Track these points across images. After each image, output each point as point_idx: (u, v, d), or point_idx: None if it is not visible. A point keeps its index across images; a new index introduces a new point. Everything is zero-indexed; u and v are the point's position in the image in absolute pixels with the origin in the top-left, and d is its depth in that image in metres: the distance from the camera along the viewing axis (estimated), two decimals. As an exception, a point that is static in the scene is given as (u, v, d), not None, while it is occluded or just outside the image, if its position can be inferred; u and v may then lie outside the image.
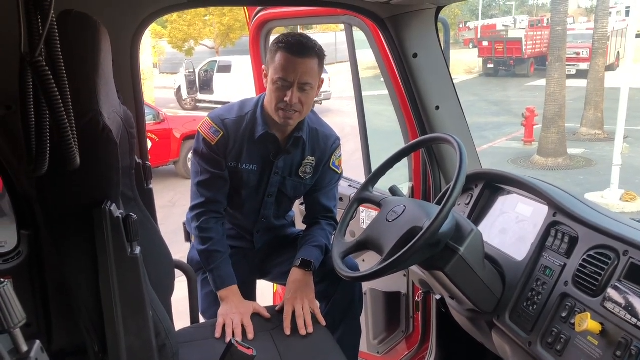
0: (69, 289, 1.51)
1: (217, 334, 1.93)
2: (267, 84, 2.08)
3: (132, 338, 1.37)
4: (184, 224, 2.48)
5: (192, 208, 2.21)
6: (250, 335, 1.92)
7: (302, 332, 1.97)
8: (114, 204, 1.35)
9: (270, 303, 2.72)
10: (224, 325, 1.97)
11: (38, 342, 0.78)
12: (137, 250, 1.37)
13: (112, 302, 1.35)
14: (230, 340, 1.48)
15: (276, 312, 2.10)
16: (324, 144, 2.24)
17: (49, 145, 0.97)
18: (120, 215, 1.33)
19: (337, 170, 2.30)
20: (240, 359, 1.45)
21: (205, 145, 2.12)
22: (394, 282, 2.80)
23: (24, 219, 1.72)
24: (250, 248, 2.33)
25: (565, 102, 12.49)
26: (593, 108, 13.69)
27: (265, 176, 2.21)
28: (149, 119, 9.69)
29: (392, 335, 2.92)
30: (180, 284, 2.17)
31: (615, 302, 1.46)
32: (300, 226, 2.46)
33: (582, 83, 14.56)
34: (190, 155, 10.42)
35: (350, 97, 2.81)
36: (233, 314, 1.99)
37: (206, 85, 18.94)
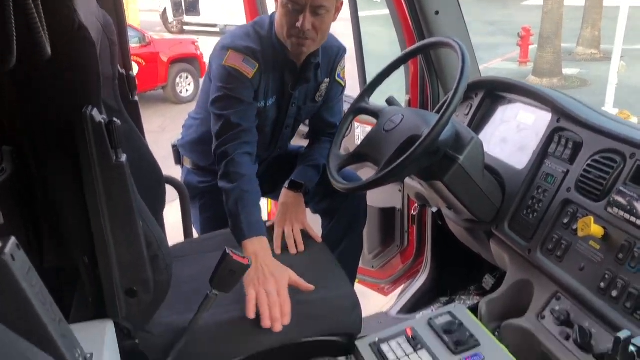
0: (56, 205, 1.45)
1: (250, 314, 1.55)
2: (276, 6, 1.87)
3: (122, 249, 1.32)
4: (173, 146, 2.39)
5: (220, 138, 1.87)
6: (287, 319, 1.57)
7: (292, 251, 1.93)
8: (96, 109, 1.27)
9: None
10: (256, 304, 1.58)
11: (13, 238, 0.73)
12: (123, 158, 1.30)
13: (99, 213, 1.29)
14: (225, 249, 1.44)
15: (269, 228, 2.06)
16: (330, 56, 2.09)
17: (14, 31, 0.88)
18: (102, 121, 1.25)
19: (342, 82, 2.17)
20: (235, 269, 1.41)
21: (239, 79, 1.85)
22: (389, 198, 2.77)
23: (3, 134, 1.64)
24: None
25: (562, 20, 12.17)
26: (590, 26, 13.36)
27: (283, 109, 2.07)
28: (134, 42, 9.37)
29: (386, 250, 2.93)
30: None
31: (620, 206, 1.42)
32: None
33: (580, 2, 14.15)
34: (178, 80, 10.21)
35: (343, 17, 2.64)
36: (267, 284, 1.60)
37: (192, 7, 18.28)
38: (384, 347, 1.54)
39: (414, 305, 2.64)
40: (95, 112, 1.25)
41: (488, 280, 2.26)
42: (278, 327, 1.55)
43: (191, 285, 1.75)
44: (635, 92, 10.37)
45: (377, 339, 1.59)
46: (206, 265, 1.66)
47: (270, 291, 1.58)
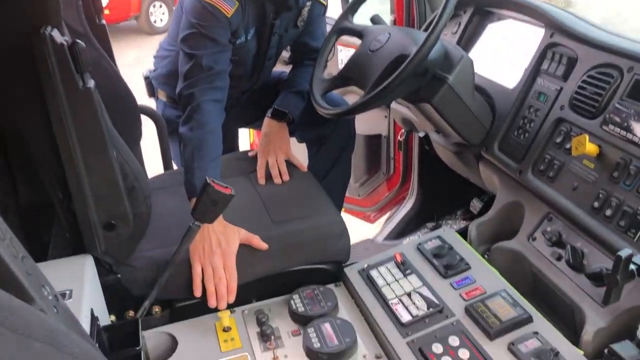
0: (24, 136, 1.36)
1: (196, 292, 1.47)
2: None
3: (96, 179, 1.25)
4: (146, 77, 2.24)
5: (187, 79, 1.69)
6: (232, 297, 1.48)
7: (277, 181, 1.86)
8: (56, 30, 1.16)
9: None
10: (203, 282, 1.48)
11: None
12: (91, 83, 1.20)
13: (68, 143, 1.21)
14: (206, 179, 1.37)
15: (251, 157, 1.99)
16: None
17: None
18: (64, 42, 1.14)
19: (323, 2, 2.02)
20: (217, 199, 1.35)
21: (216, 17, 1.67)
22: (375, 125, 2.70)
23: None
24: (237, 99, 2.13)
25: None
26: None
27: (264, 40, 1.91)
28: (102, -31, 8.87)
29: (372, 178, 2.88)
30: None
31: (615, 123, 1.37)
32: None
33: None
34: (152, 9, 9.78)
35: None
36: (214, 257, 1.47)
37: None
38: (373, 273, 1.52)
39: (400, 232, 2.62)
40: (55, 33, 1.14)
41: (476, 204, 2.24)
42: (223, 305, 1.47)
43: (172, 217, 1.69)
44: (619, 14, 10.20)
45: (365, 265, 1.56)
46: (187, 197, 1.60)
47: (217, 265, 1.47)
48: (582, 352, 1.18)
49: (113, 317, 1.50)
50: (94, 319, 1.17)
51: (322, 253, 1.61)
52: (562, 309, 1.39)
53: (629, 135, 1.33)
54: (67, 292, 1.20)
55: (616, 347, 0.97)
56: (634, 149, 1.32)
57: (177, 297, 1.55)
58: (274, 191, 1.84)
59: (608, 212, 1.33)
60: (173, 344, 1.45)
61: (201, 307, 1.50)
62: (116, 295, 1.48)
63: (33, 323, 0.55)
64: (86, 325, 1.11)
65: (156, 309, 1.54)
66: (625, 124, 1.35)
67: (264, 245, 1.53)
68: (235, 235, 1.51)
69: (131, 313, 1.52)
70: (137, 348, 1.16)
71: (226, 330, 1.43)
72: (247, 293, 1.54)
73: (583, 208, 1.40)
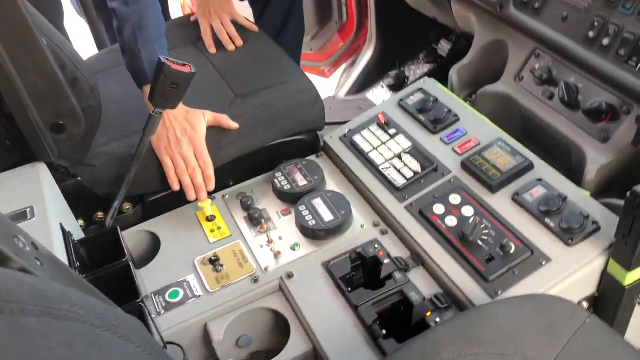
0: None
1: (174, 186, 1.34)
2: None
3: (31, 77, 1.04)
4: None
5: None
6: (211, 184, 1.35)
7: (230, 47, 1.66)
8: None
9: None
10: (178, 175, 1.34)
11: None
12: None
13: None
14: (159, 58, 1.18)
15: (194, 23, 1.75)
16: None
17: None
18: None
19: None
20: (178, 80, 1.17)
21: None
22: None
23: None
24: None
25: None
26: None
27: None
28: None
29: (324, 29, 2.67)
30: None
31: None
32: None
33: None
34: None
35: None
36: (181, 146, 1.32)
37: None
38: (357, 139, 1.41)
39: (362, 84, 2.49)
40: None
41: (444, 46, 2.11)
42: (203, 196, 1.34)
43: (122, 103, 1.50)
44: None
45: (347, 131, 1.45)
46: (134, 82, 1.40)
47: (187, 155, 1.32)
48: (588, 193, 1.15)
49: (82, 222, 1.37)
50: (66, 235, 1.04)
51: (297, 124, 1.48)
52: (558, 150, 1.34)
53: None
54: (28, 209, 1.05)
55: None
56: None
57: (148, 191, 1.42)
58: (229, 60, 1.65)
59: (605, 42, 1.23)
60: (154, 241, 1.35)
61: (176, 198, 1.38)
62: (79, 199, 1.33)
63: (20, 293, 0.42)
64: (59, 244, 0.98)
65: (126, 206, 1.42)
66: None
67: (233, 125, 1.38)
68: (200, 119, 1.35)
69: (100, 214, 1.40)
70: (124, 260, 1.04)
71: (210, 219, 1.33)
72: (224, 177, 1.42)
73: (575, 39, 1.30)
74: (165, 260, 1.26)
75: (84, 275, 0.98)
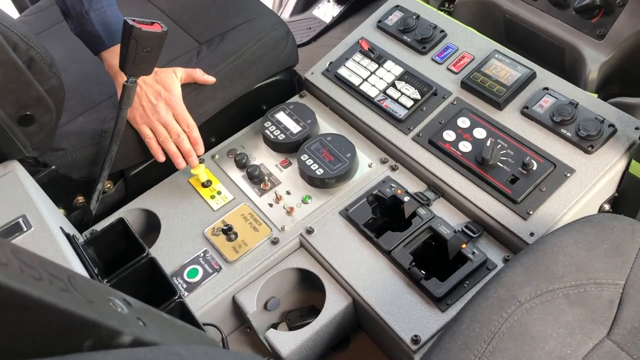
0: None
1: (160, 157, 1.22)
2: None
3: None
4: None
5: None
6: (200, 147, 1.24)
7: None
8: None
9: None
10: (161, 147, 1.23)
11: None
12: None
13: None
14: (125, 21, 1.02)
15: None
16: None
17: None
18: None
19: None
20: (150, 44, 1.03)
21: None
22: None
23: None
24: None
25: None
26: None
27: None
28: None
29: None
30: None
31: None
32: None
33: None
34: None
35: None
36: (159, 112, 1.19)
37: None
38: (342, 72, 1.32)
39: (305, 1, 2.34)
40: None
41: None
42: (194, 162, 1.23)
43: (74, 72, 1.34)
44: None
45: (328, 64, 1.35)
46: (84, 45, 1.23)
47: (167, 120, 1.20)
48: (596, 95, 1.13)
49: (62, 210, 1.25)
50: (72, 241, 0.93)
51: (273, 64, 1.37)
52: (549, 53, 1.30)
53: None
54: (20, 219, 0.92)
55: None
56: None
57: (127, 164, 1.30)
58: (180, 3, 1.48)
59: None
60: (150, 219, 1.25)
61: (159, 166, 1.28)
62: (55, 187, 1.20)
63: None
64: (70, 255, 0.88)
65: (107, 184, 1.30)
66: None
67: (209, 79, 1.26)
68: (173, 77, 1.22)
69: (80, 198, 1.28)
70: (145, 254, 0.95)
71: (206, 185, 1.24)
72: (203, 135, 1.31)
73: None
74: (170, 238, 1.18)
75: (105, 281, 0.89)
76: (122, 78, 1.14)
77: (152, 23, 1.05)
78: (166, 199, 1.24)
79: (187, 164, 1.24)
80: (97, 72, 1.30)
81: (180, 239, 1.17)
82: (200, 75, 1.25)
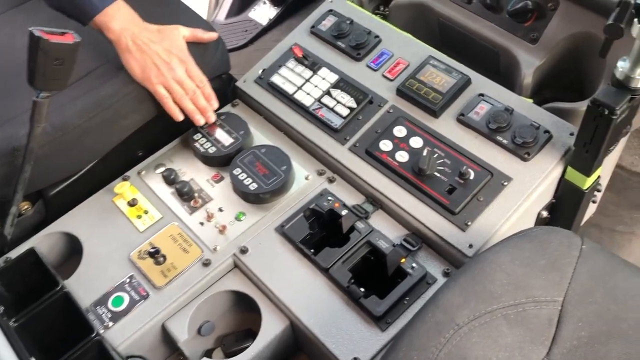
0: None
1: (178, 116, 1.19)
2: None
3: None
4: None
5: None
6: (214, 101, 1.23)
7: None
8: None
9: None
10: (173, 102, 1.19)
11: None
12: None
13: None
14: (31, 32, 0.93)
15: None
16: None
17: None
18: None
19: None
20: (61, 55, 0.94)
21: None
22: None
23: None
24: None
25: None
26: None
27: None
28: None
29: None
30: None
31: None
32: None
33: None
34: None
35: None
36: (170, 68, 1.16)
37: None
38: (276, 80, 1.26)
39: (241, 3, 2.27)
40: None
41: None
42: (212, 117, 1.22)
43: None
44: None
45: (261, 72, 1.29)
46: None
47: (182, 78, 1.17)
48: (531, 101, 1.12)
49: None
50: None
51: (203, 71, 1.29)
52: (484, 58, 1.29)
53: None
54: None
55: (599, 95, 0.89)
56: None
57: (47, 183, 1.20)
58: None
59: None
60: (71, 243, 1.16)
61: (81, 185, 1.19)
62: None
63: None
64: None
65: (24, 206, 1.20)
66: None
67: (213, 35, 1.26)
68: (178, 34, 1.20)
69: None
70: (59, 288, 0.86)
71: (132, 204, 1.16)
72: (130, 148, 1.24)
73: None
74: (93, 263, 1.09)
75: (14, 320, 0.80)
76: (126, 41, 1.13)
77: (63, 33, 0.96)
78: (88, 221, 1.16)
79: (205, 120, 1.21)
80: (8, 84, 1.20)
81: (104, 264, 1.08)
82: (203, 34, 1.24)
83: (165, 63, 1.16)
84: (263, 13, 2.24)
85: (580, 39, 1.16)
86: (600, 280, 0.76)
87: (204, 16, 2.31)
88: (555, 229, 0.82)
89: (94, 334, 0.81)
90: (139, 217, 1.14)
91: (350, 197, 1.12)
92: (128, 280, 1.05)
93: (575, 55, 1.18)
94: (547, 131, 1.04)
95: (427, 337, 0.72)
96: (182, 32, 1.21)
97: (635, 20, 0.78)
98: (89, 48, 1.25)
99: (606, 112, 0.87)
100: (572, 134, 1.03)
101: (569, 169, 1.01)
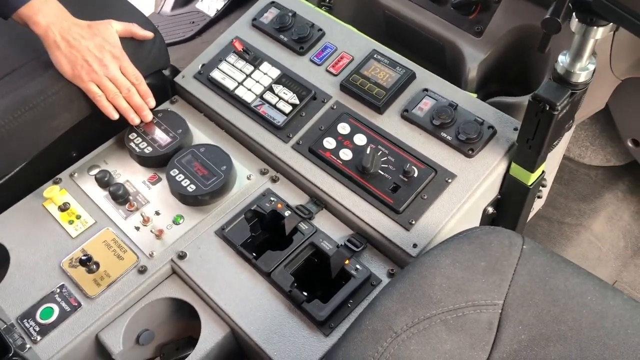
0: None
1: (113, 115, 1.12)
2: None
3: None
4: None
5: None
6: (151, 99, 1.16)
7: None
8: None
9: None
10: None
11: None
12: None
13: None
14: None
15: None
16: None
17: None
18: None
19: None
20: None
21: None
22: None
23: None
24: None
25: None
26: None
27: None
28: None
29: None
30: None
31: None
32: None
33: None
34: None
35: None
36: (103, 64, 1.09)
37: None
38: (216, 75, 1.21)
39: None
40: None
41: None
42: (148, 116, 1.16)
43: None
44: None
45: (200, 67, 1.24)
46: None
47: (115, 75, 1.12)
48: (475, 95, 1.10)
49: None
50: None
51: (138, 67, 1.23)
52: (429, 51, 1.26)
53: None
54: None
55: (540, 90, 0.87)
56: None
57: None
58: None
59: None
60: (-2, 251, 1.10)
61: (9, 189, 1.12)
62: None
63: None
64: None
65: (-52, 214, 1.12)
66: None
67: (148, 34, 1.20)
68: (111, 30, 1.14)
69: None
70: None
71: (63, 208, 1.10)
72: (63, 149, 1.17)
73: None
74: (21, 273, 1.03)
75: None
76: (54, 36, 1.06)
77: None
78: (16, 227, 1.09)
79: (140, 119, 1.15)
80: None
81: (33, 274, 1.02)
82: (139, 30, 1.17)
83: (97, 59, 1.10)
84: (210, 4, 2.17)
85: (524, 32, 1.14)
86: (540, 281, 0.74)
87: (151, 7, 2.24)
88: (497, 229, 0.80)
89: (11, 353, 0.75)
90: (71, 222, 1.08)
91: (294, 197, 1.08)
92: (58, 290, 0.99)
93: (520, 49, 1.17)
94: (491, 126, 1.02)
95: (364, 347, 0.69)
96: (115, 27, 1.15)
97: (574, 14, 0.76)
98: (13, 44, 1.19)
99: (547, 108, 0.85)
100: (516, 129, 1.01)
101: (513, 164, 1.00)
